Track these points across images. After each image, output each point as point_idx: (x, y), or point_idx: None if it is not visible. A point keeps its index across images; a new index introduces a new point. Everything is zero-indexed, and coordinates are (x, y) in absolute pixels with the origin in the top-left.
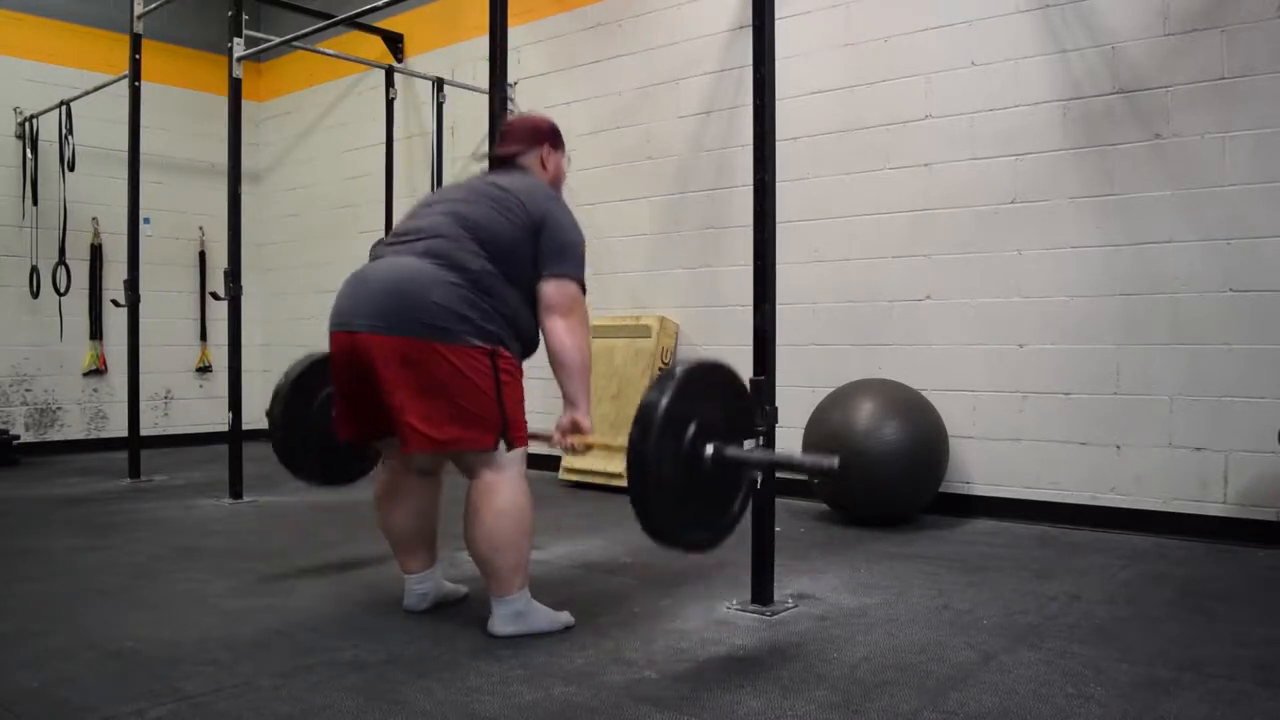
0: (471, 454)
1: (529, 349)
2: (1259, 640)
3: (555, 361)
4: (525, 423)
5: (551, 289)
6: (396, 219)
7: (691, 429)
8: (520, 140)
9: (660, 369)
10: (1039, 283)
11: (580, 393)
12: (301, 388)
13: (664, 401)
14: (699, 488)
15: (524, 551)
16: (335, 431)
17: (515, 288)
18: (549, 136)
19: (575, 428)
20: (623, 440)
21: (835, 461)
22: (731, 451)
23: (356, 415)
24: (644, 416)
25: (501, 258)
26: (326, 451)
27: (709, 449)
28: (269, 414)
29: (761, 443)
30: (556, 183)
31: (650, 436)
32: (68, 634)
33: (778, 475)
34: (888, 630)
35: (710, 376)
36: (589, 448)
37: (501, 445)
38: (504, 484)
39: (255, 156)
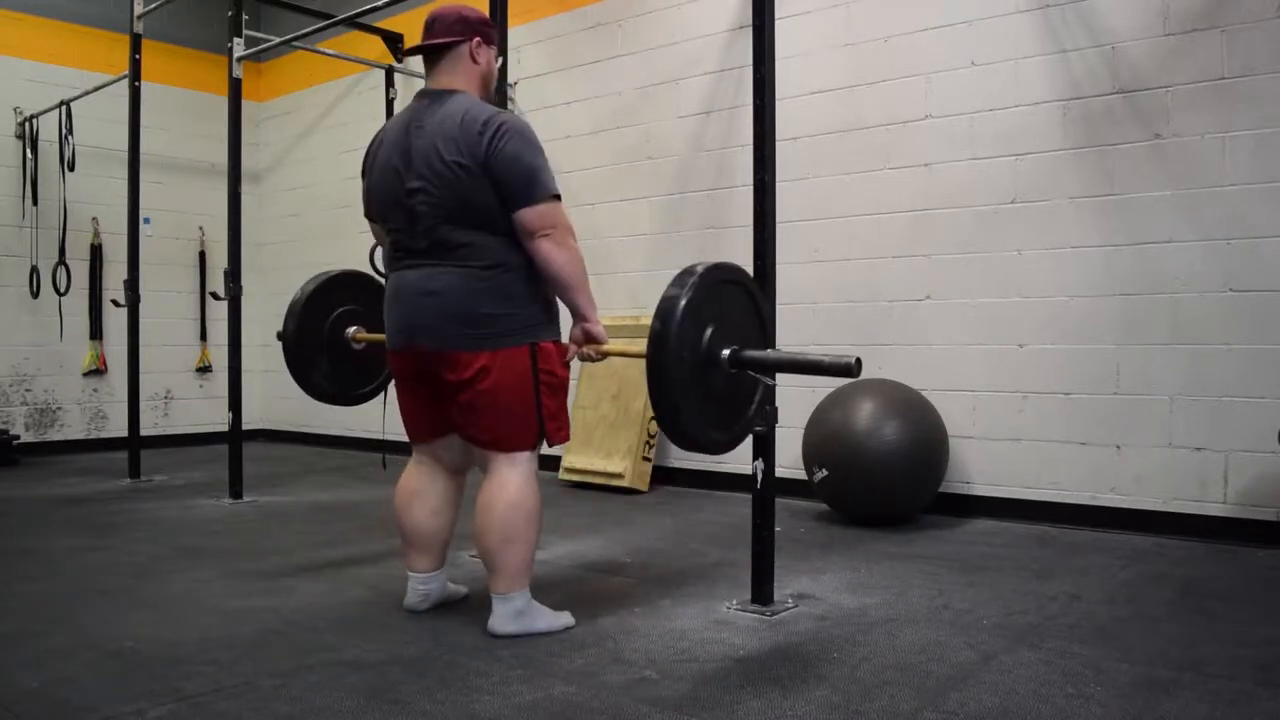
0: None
1: None
2: (1259, 640)
3: (552, 281)
4: (566, 416)
5: (527, 215)
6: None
7: (709, 331)
8: (447, 31)
9: None
10: (1039, 283)
11: (585, 303)
12: (315, 304)
13: (683, 300)
14: (717, 389)
15: (531, 548)
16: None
17: (502, 237)
18: (479, 28)
19: (588, 337)
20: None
21: (854, 359)
22: (749, 353)
23: (424, 420)
24: (664, 311)
25: (489, 222)
26: (337, 368)
27: (725, 351)
28: (282, 332)
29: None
30: (487, 80)
31: (671, 332)
32: (68, 634)
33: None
34: (888, 630)
35: (727, 277)
36: (605, 355)
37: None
38: (518, 479)
39: (255, 156)
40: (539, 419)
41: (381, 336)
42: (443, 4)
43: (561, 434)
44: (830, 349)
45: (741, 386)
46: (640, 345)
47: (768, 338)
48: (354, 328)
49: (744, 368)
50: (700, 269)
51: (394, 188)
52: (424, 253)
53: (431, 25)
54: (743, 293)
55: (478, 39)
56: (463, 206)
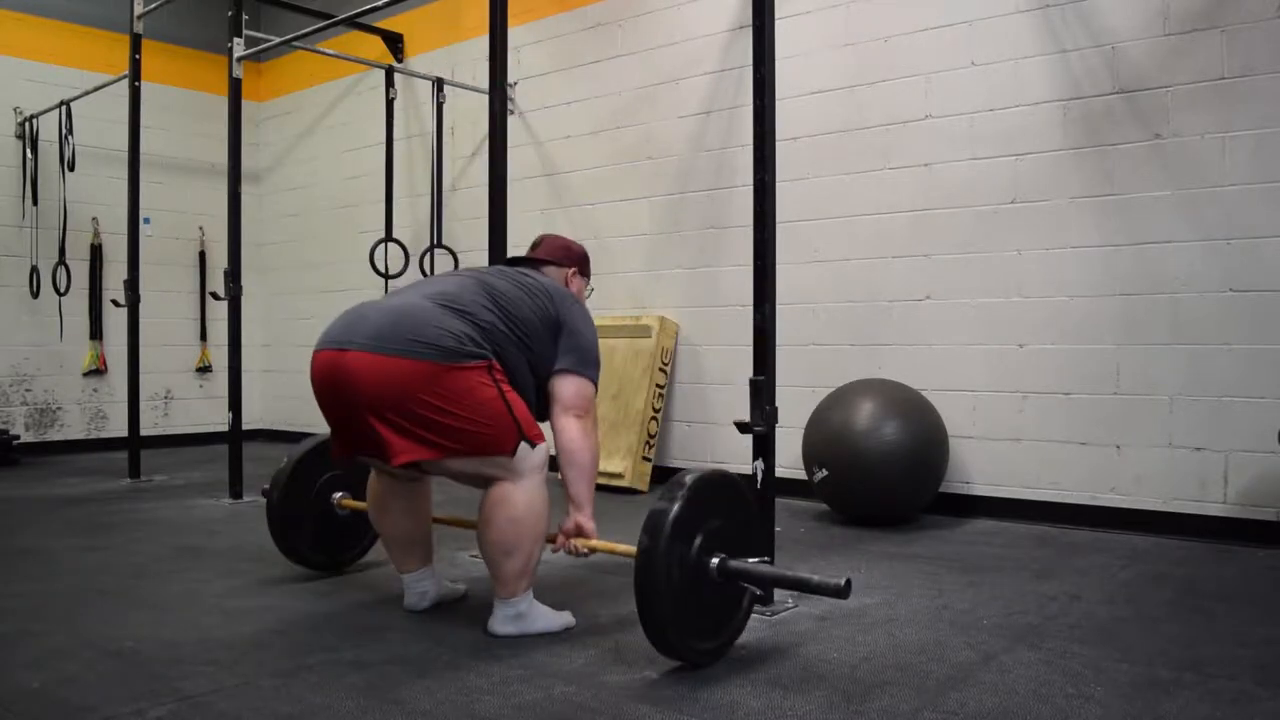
0: (489, 463)
1: None
2: (1259, 640)
3: (567, 461)
4: (536, 422)
5: (570, 387)
6: (396, 219)
7: (698, 540)
8: (552, 253)
9: (661, 369)
10: (1039, 283)
11: (587, 495)
12: (301, 473)
13: (673, 511)
14: (704, 599)
15: (534, 557)
16: (330, 452)
17: (524, 358)
18: (579, 262)
19: (579, 531)
20: (628, 540)
21: (844, 581)
22: (735, 564)
23: (346, 434)
24: (653, 524)
25: (517, 326)
26: (323, 536)
27: (714, 561)
28: (268, 496)
29: (764, 560)
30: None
31: (660, 544)
32: (68, 634)
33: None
34: (888, 630)
35: (717, 487)
36: (592, 551)
37: (522, 447)
38: (519, 493)
39: (255, 156)
40: (512, 417)
41: (363, 505)
42: (554, 235)
43: (539, 435)
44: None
45: (729, 592)
46: (629, 547)
47: (755, 543)
48: (339, 494)
49: (732, 578)
50: (689, 480)
51: (475, 274)
52: (430, 295)
53: (539, 243)
54: (735, 497)
55: (574, 269)
56: (520, 318)
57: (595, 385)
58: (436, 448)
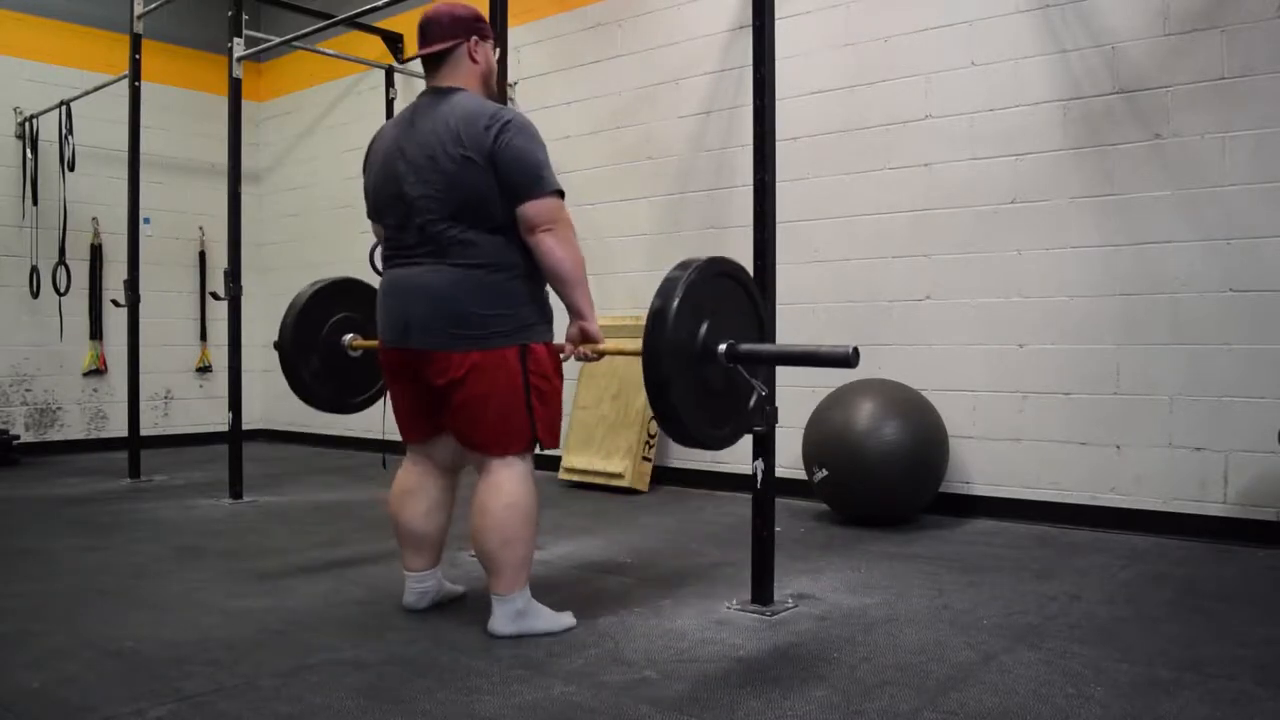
0: (496, 427)
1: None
2: (1259, 640)
3: (551, 277)
4: (559, 419)
5: (531, 209)
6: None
7: (706, 325)
8: (443, 35)
9: None
10: (1039, 283)
11: (583, 301)
12: (311, 311)
13: (681, 286)
14: (714, 384)
15: (529, 547)
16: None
17: (502, 233)
18: (473, 25)
19: (584, 336)
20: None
21: (851, 349)
22: (746, 346)
23: (417, 419)
24: (663, 294)
25: (489, 218)
26: (334, 376)
27: (722, 346)
28: (278, 339)
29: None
30: (488, 77)
31: (664, 333)
32: (68, 634)
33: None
34: (888, 630)
35: (724, 271)
36: (601, 354)
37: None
38: (513, 479)
39: (255, 156)
40: (530, 421)
41: (377, 343)
42: (435, 5)
43: (551, 438)
44: (843, 346)
45: (738, 383)
46: (637, 343)
47: (765, 334)
48: (350, 335)
49: (741, 361)
50: (698, 261)
51: (392, 184)
52: (419, 250)
53: (426, 30)
54: (740, 289)
55: (474, 38)
56: (462, 202)
57: (555, 194)
58: (473, 431)
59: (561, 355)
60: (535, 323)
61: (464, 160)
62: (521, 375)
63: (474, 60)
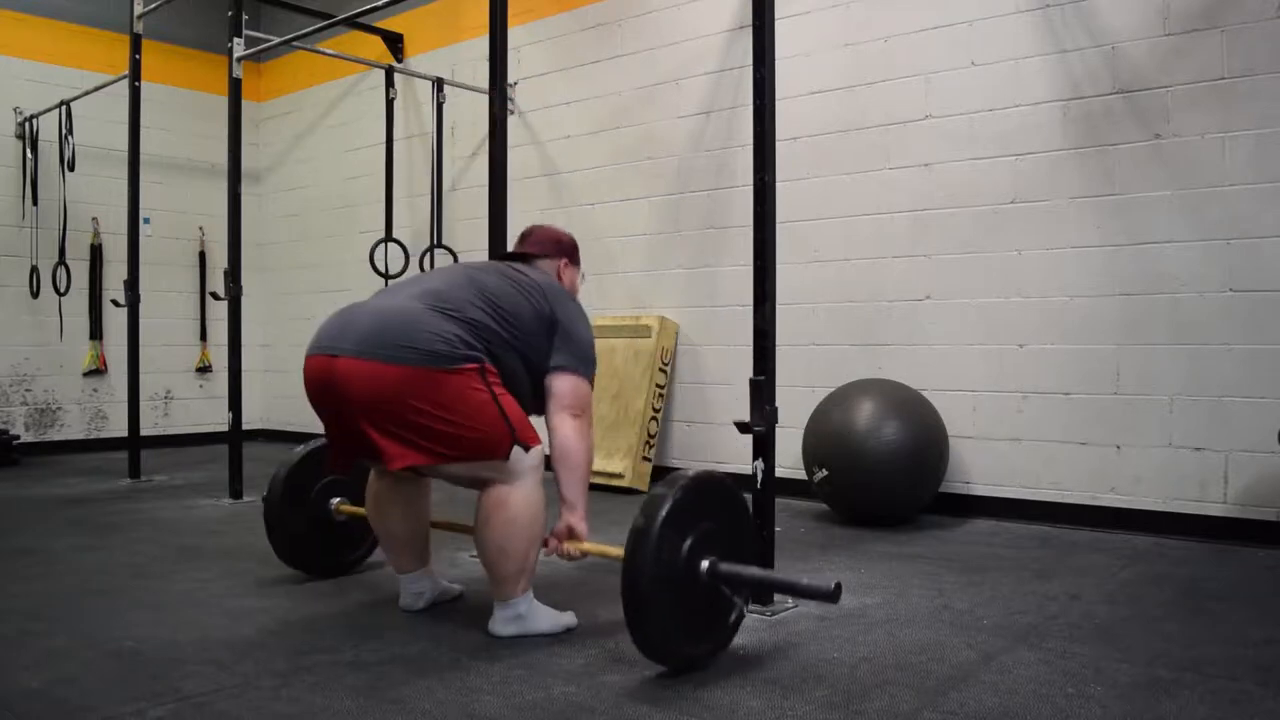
0: (483, 467)
1: None
2: (1259, 640)
3: (560, 461)
4: (531, 424)
5: (567, 385)
6: (396, 219)
7: (688, 542)
8: (542, 246)
9: (661, 369)
10: (1039, 283)
11: (581, 495)
12: (297, 479)
13: (661, 515)
14: (693, 602)
15: (531, 558)
16: (327, 461)
17: (518, 356)
18: (569, 252)
19: (572, 533)
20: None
21: (833, 585)
22: (726, 567)
23: (341, 440)
24: (640, 536)
25: (509, 324)
26: (324, 542)
27: (704, 564)
28: (265, 503)
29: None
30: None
31: (648, 548)
32: (68, 634)
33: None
34: (888, 630)
35: (709, 490)
36: (585, 554)
37: (516, 450)
38: (516, 494)
39: (255, 156)
40: (506, 421)
41: (361, 510)
42: (542, 226)
43: (534, 438)
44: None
45: (720, 597)
46: (618, 550)
47: (746, 550)
48: (337, 499)
49: (722, 582)
50: (687, 476)
51: (467, 268)
52: (420, 295)
53: (527, 235)
54: (730, 503)
55: (565, 260)
56: (511, 315)
57: (591, 384)
58: (431, 454)
59: (544, 552)
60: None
61: (534, 290)
62: (483, 383)
63: (560, 279)
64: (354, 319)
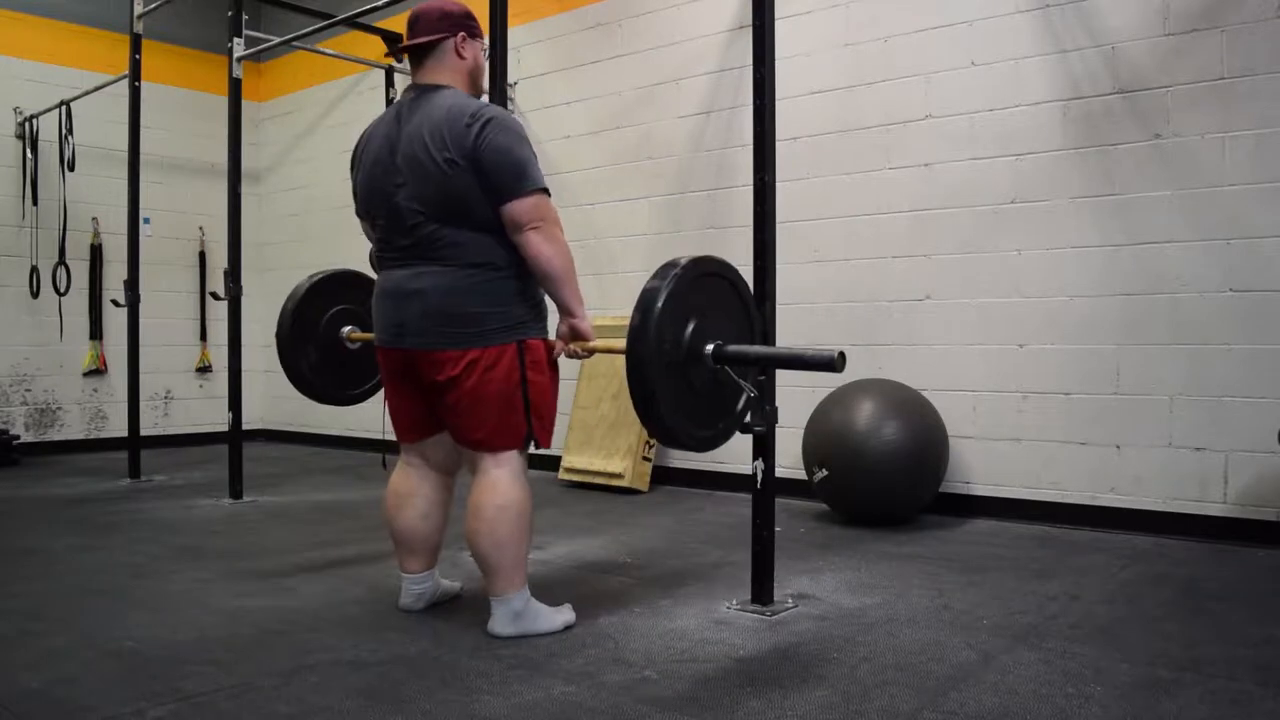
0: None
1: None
2: (1259, 640)
3: (540, 275)
4: (553, 417)
5: (515, 208)
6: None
7: (692, 326)
8: (431, 29)
9: None
10: (1039, 283)
11: (572, 298)
12: (310, 302)
13: (664, 292)
14: (700, 386)
15: (524, 548)
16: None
17: (504, 234)
18: (463, 22)
19: (575, 334)
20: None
21: (837, 353)
22: (732, 348)
23: (413, 419)
24: (645, 303)
25: (476, 219)
26: (331, 367)
27: (709, 347)
28: (277, 329)
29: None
30: (476, 74)
31: (650, 324)
32: (68, 634)
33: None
34: (888, 630)
35: (712, 271)
36: (591, 351)
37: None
38: (506, 479)
39: (255, 156)
40: (526, 418)
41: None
42: (426, 1)
43: (545, 436)
44: (830, 349)
45: (727, 385)
46: (622, 343)
47: (754, 334)
48: (349, 327)
49: (726, 363)
50: (684, 261)
51: (380, 184)
52: (410, 250)
53: (414, 24)
54: (729, 287)
55: (462, 34)
56: (449, 203)
57: (540, 191)
58: (470, 428)
59: (554, 352)
60: (529, 320)
61: (447, 162)
62: (519, 371)
63: (460, 56)
64: (403, 302)
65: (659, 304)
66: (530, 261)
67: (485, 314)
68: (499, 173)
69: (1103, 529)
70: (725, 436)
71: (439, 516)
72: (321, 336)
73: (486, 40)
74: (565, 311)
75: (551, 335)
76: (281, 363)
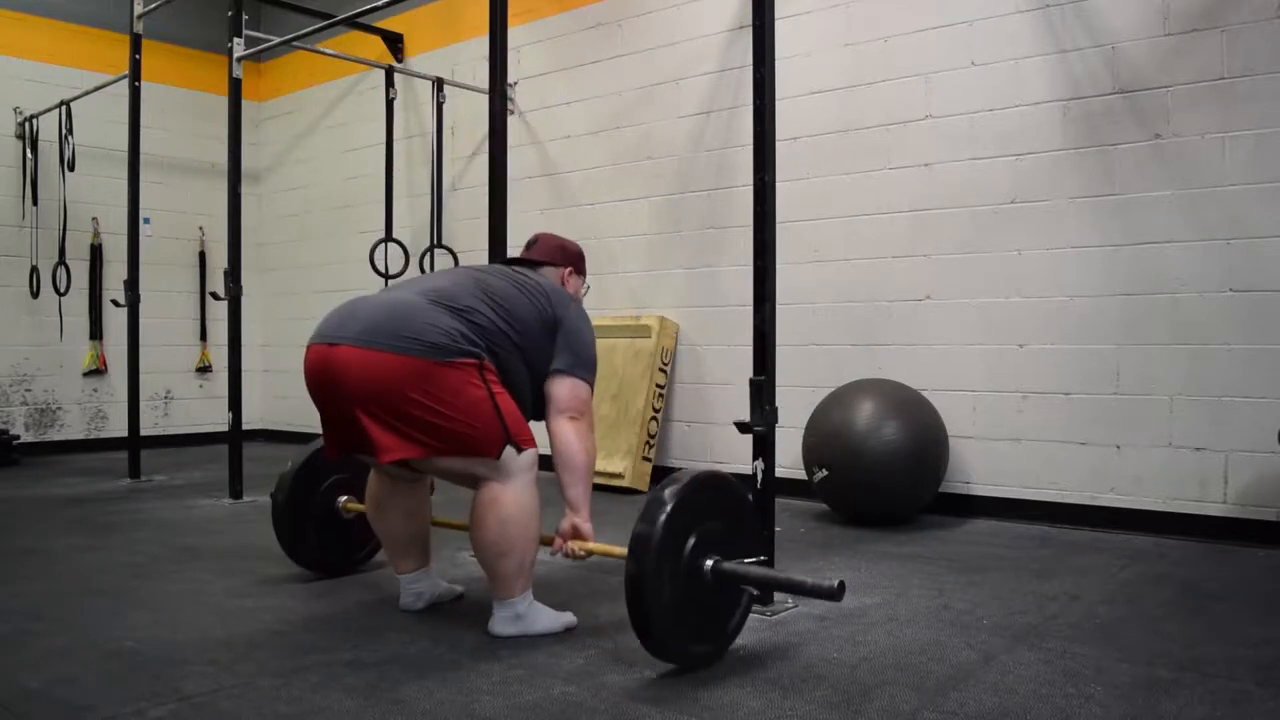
0: (476, 463)
1: None
2: (1259, 640)
3: (562, 464)
4: (527, 425)
5: (566, 389)
6: (396, 219)
7: (691, 541)
8: (548, 253)
9: (661, 368)
10: (1039, 283)
11: (584, 497)
12: (305, 476)
13: (663, 515)
14: (699, 602)
15: (528, 557)
16: (325, 451)
17: (520, 358)
18: (574, 260)
19: (575, 533)
20: (622, 541)
21: (837, 584)
22: (730, 566)
23: (336, 431)
24: (642, 536)
25: (513, 324)
26: (329, 539)
27: (708, 563)
28: (273, 499)
29: (761, 560)
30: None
31: (651, 552)
32: (68, 634)
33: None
34: (888, 630)
35: (710, 488)
36: (589, 554)
37: (509, 450)
38: (508, 493)
39: (255, 156)
40: (500, 421)
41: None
42: (549, 234)
43: (529, 440)
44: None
45: (725, 593)
46: (622, 549)
47: (751, 543)
48: (345, 498)
49: (725, 580)
50: (685, 478)
51: (472, 273)
52: (424, 291)
53: (533, 242)
54: (730, 500)
55: (570, 269)
56: (515, 307)
57: (591, 387)
58: (423, 446)
59: (549, 552)
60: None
61: (535, 297)
62: (484, 385)
63: (563, 285)
64: (356, 310)
65: (658, 529)
66: (559, 447)
67: (455, 334)
68: (571, 343)
69: (1103, 529)
70: (717, 656)
71: (422, 513)
72: (318, 505)
73: (588, 281)
74: (573, 508)
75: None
76: (281, 541)
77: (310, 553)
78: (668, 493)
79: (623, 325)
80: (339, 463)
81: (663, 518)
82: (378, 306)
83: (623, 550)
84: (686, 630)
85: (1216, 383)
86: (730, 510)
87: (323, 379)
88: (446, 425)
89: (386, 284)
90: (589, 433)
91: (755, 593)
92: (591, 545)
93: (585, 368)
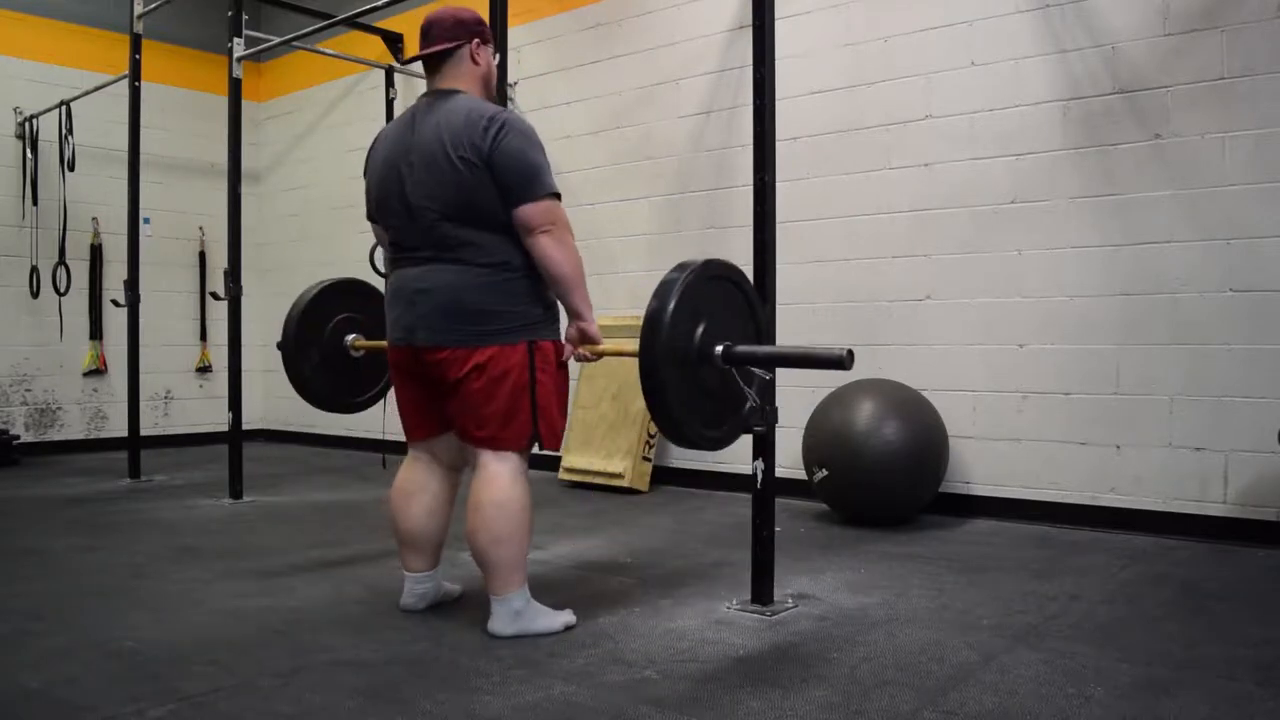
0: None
1: None
2: (1259, 640)
3: (549, 278)
4: (561, 420)
5: (527, 211)
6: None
7: (701, 327)
8: (446, 36)
9: None
10: (1039, 283)
11: (581, 302)
12: (314, 311)
13: (676, 291)
14: (710, 387)
15: (523, 546)
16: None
17: (515, 237)
18: (475, 29)
19: (583, 337)
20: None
21: (845, 351)
22: (742, 349)
23: (422, 417)
24: (655, 314)
25: (490, 219)
26: (336, 376)
27: (719, 348)
28: (281, 339)
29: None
30: (488, 79)
31: (660, 336)
32: (68, 634)
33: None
34: (888, 630)
35: (720, 274)
36: (600, 355)
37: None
38: (504, 476)
39: (255, 156)
40: (533, 419)
41: (380, 344)
42: (438, 8)
43: (552, 439)
44: (838, 348)
45: (735, 385)
46: (635, 344)
47: (762, 335)
48: (353, 335)
49: (737, 364)
50: (695, 263)
51: (394, 185)
52: (423, 250)
53: (429, 31)
54: (736, 290)
55: (476, 40)
56: (463, 203)
57: (553, 194)
58: (476, 426)
59: (562, 356)
60: (542, 321)
61: (463, 162)
62: (528, 371)
63: (475, 62)
64: (414, 300)
65: (674, 297)
66: (540, 265)
67: (498, 312)
68: (512, 176)
69: (1103, 529)
70: (731, 438)
71: (444, 514)
72: (326, 344)
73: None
74: (574, 315)
75: (562, 338)
76: (287, 370)
77: (317, 384)
78: (675, 280)
79: (623, 325)
80: (350, 301)
81: (672, 305)
82: (435, 296)
83: (633, 346)
84: (700, 415)
85: (1216, 383)
86: (735, 302)
87: (413, 373)
88: (492, 409)
89: (387, 284)
90: (567, 239)
91: (768, 376)
92: (601, 347)
93: (538, 183)
